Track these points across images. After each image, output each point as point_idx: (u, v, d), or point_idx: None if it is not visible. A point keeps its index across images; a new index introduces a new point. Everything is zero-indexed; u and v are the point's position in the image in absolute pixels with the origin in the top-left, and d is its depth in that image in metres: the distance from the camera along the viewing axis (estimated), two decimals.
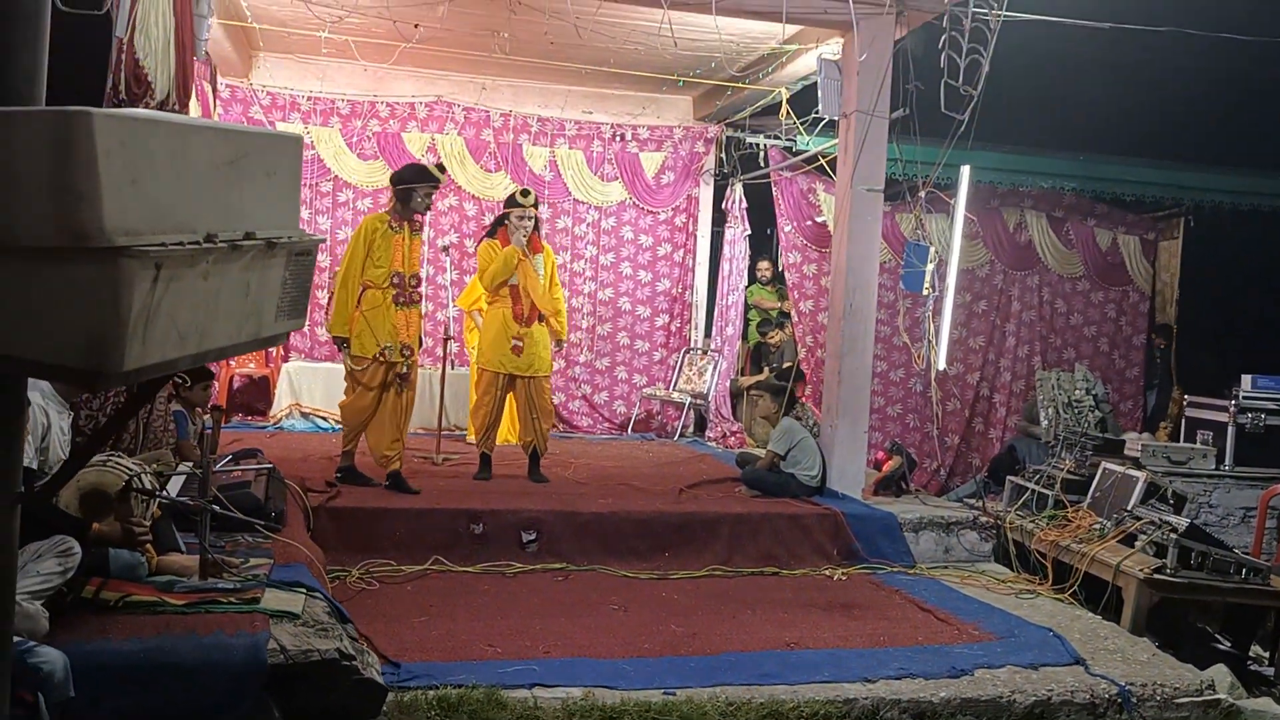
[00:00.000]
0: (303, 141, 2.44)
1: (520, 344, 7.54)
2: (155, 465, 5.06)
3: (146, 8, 6.11)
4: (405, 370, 7.00)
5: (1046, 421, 9.21)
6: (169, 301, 1.98)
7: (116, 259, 1.85)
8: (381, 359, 6.90)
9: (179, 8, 6.34)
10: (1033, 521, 7.29)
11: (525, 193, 7.68)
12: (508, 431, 8.86)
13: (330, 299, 7.04)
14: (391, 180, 7.13)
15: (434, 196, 7.33)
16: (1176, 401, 9.88)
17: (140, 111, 2.07)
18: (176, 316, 2.03)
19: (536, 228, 7.74)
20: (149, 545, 4.34)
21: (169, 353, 2.04)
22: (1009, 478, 8.07)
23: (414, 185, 6.95)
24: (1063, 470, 7.56)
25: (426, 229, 9.80)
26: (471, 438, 8.31)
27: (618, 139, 10.90)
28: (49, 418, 4.48)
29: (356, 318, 6.91)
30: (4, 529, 2.32)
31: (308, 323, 10.24)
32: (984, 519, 7.63)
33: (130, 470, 4.23)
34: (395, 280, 6.93)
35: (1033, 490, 7.59)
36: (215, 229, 2.09)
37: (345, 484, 7.02)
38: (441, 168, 7.27)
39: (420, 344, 7.26)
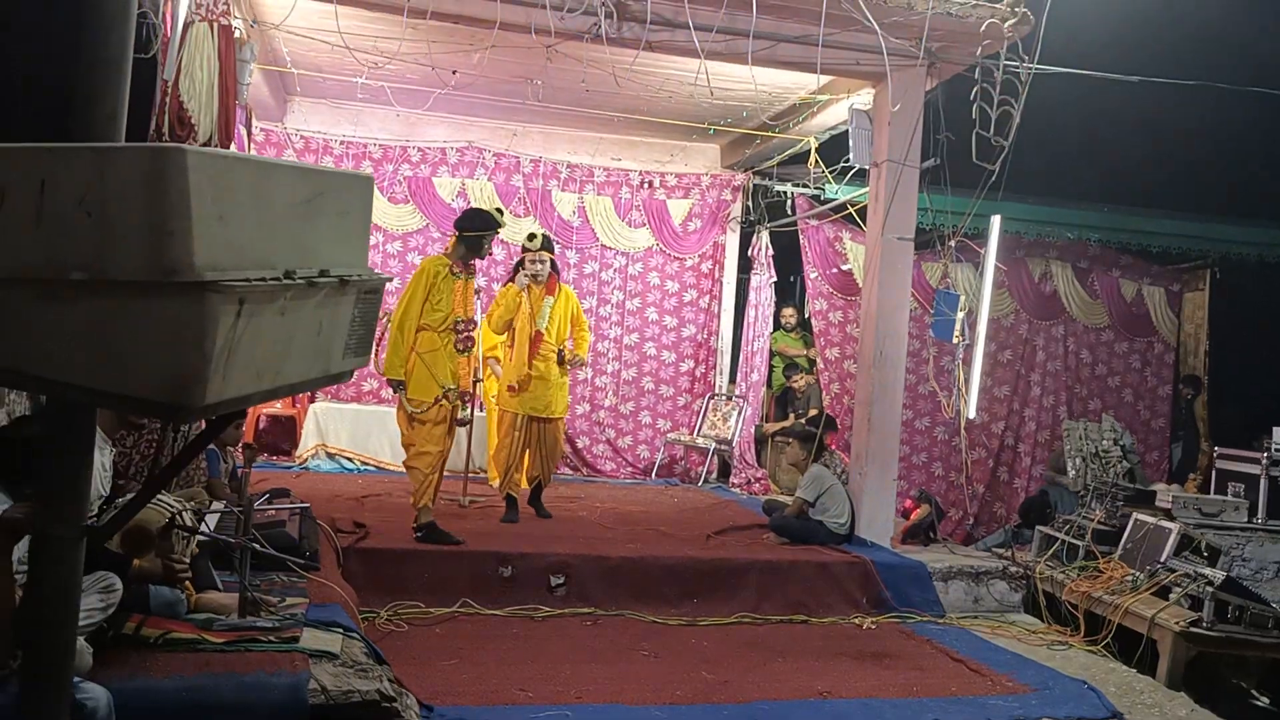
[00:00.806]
0: (373, 182, 2.48)
1: (515, 388, 7.66)
2: (192, 503, 5.08)
3: (192, 52, 6.23)
4: (462, 416, 6.96)
5: (1074, 472, 9.15)
6: (249, 336, 2.01)
7: (204, 294, 1.88)
8: (445, 401, 6.85)
9: (223, 52, 6.46)
10: (1063, 572, 7.23)
11: (531, 236, 7.79)
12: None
13: (379, 341, 7.00)
14: (459, 226, 7.03)
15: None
16: (1206, 454, 9.82)
17: (225, 151, 2.11)
18: (255, 351, 2.05)
19: (554, 270, 7.83)
20: (188, 582, 4.35)
21: (246, 387, 2.07)
22: (1039, 527, 8.01)
23: (484, 233, 6.98)
24: (1093, 521, 7.51)
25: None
26: (494, 481, 8.30)
27: (646, 186, 10.99)
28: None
29: (414, 361, 6.80)
30: (71, 561, 2.34)
31: (368, 363, 10.31)
32: (1014, 569, 7.57)
33: (172, 507, 4.25)
34: (456, 326, 6.88)
35: (1063, 540, 7.54)
36: (293, 266, 2.13)
37: (428, 542, 6.67)
38: (501, 211, 7.32)
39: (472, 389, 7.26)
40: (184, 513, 4.24)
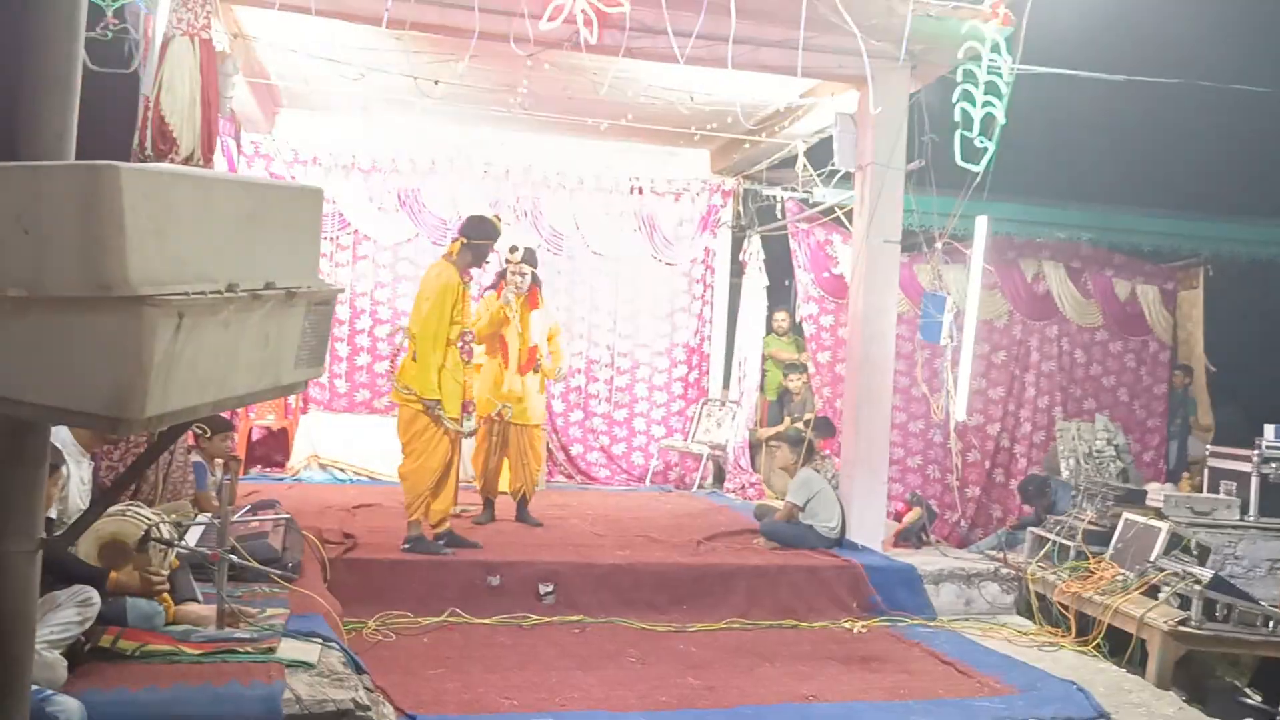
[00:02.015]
0: (323, 194, 2.49)
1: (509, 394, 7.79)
2: (174, 516, 5.09)
3: (173, 67, 6.26)
4: (467, 426, 6.96)
5: (1067, 472, 9.14)
6: (190, 349, 2.02)
7: (140, 307, 1.89)
8: (463, 416, 6.86)
9: (205, 66, 6.47)
10: (1054, 573, 7.22)
11: (513, 249, 7.84)
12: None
13: (395, 359, 6.91)
14: (467, 234, 6.96)
15: None
16: (1205, 427, 9.83)
17: (165, 166, 2.13)
18: (198, 364, 2.06)
19: (536, 282, 7.90)
20: (166, 595, 4.36)
21: (190, 399, 2.07)
22: (1030, 529, 8.00)
23: (489, 241, 7.00)
24: (1084, 521, 7.49)
25: None
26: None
27: (636, 192, 11.00)
28: (69, 467, 4.52)
29: (442, 376, 6.72)
30: (25, 576, 2.35)
31: (327, 374, 10.34)
32: (1006, 571, 7.56)
33: (149, 520, 4.26)
34: (465, 336, 6.87)
35: (1054, 541, 7.53)
36: (236, 279, 2.13)
37: (416, 553, 6.66)
38: (499, 219, 7.33)
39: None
40: (161, 525, 4.26)
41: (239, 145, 9.26)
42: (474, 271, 7.17)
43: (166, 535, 4.26)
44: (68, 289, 1.91)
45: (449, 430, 6.78)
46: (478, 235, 6.96)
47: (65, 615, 3.74)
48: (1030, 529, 8.01)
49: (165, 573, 4.27)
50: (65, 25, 2.23)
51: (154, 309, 1.90)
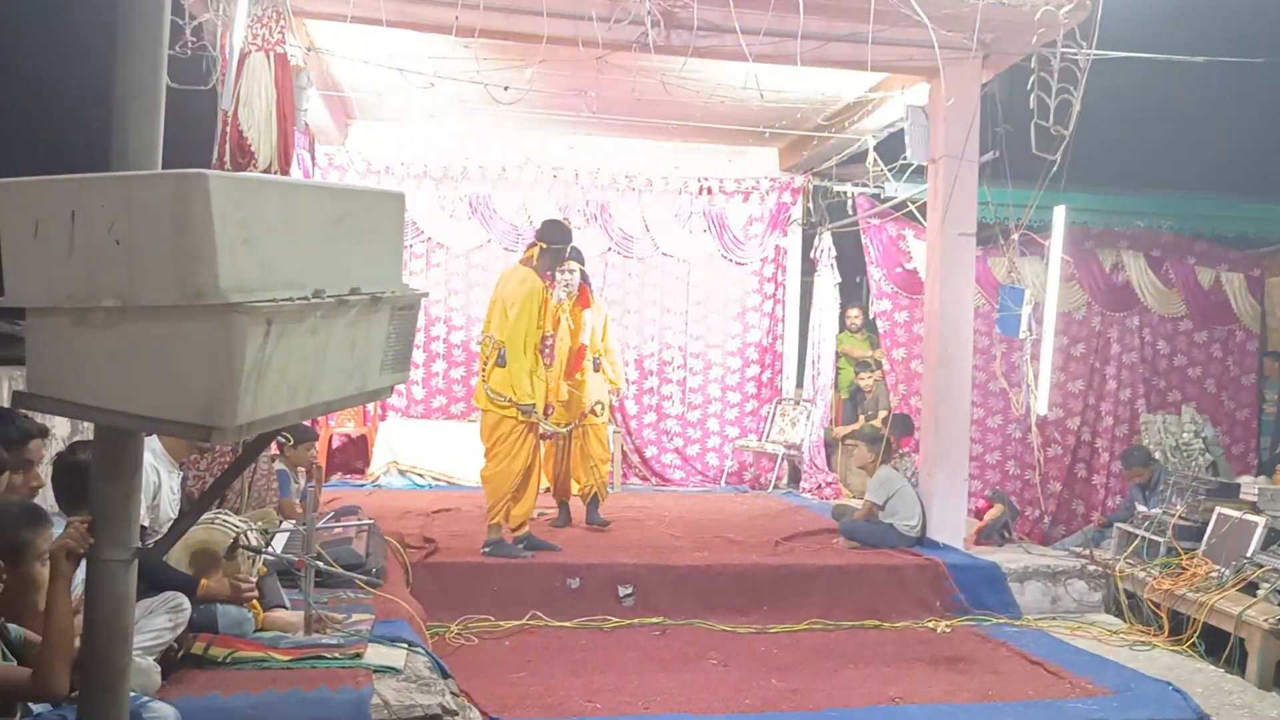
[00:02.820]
0: (404, 199, 2.50)
1: (566, 396, 7.70)
2: (260, 523, 5.17)
3: (250, 81, 6.37)
4: (546, 428, 6.99)
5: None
6: (279, 356, 2.03)
7: (230, 315, 1.90)
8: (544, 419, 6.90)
9: (280, 80, 6.58)
10: (1145, 570, 7.02)
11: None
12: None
13: (487, 366, 6.95)
14: (544, 239, 7.06)
15: None
16: None
17: (250, 174, 2.15)
18: (286, 370, 2.07)
19: (585, 280, 7.83)
20: (255, 602, 4.42)
21: (279, 406, 2.09)
22: (1117, 524, 7.80)
23: (565, 245, 7.10)
24: (1174, 516, 7.28)
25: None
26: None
27: (705, 192, 10.96)
28: (159, 476, 4.61)
29: (533, 382, 6.83)
30: (122, 585, 2.38)
31: (406, 379, 10.45)
32: (1092, 568, 7.38)
33: (237, 528, 4.33)
34: (545, 340, 6.95)
35: (1143, 537, 7.32)
36: (323, 285, 2.15)
37: (496, 557, 6.69)
38: (567, 220, 7.39)
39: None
40: (248, 533, 4.32)
41: (313, 157, 9.39)
42: None
43: (254, 543, 4.32)
44: (160, 298, 1.93)
45: (538, 433, 6.82)
46: (557, 240, 7.08)
47: (158, 622, 3.81)
48: (1117, 524, 7.81)
49: (254, 579, 4.33)
50: (151, 38, 2.27)
51: (243, 316, 1.92)
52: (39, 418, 3.79)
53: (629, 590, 6.61)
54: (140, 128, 2.31)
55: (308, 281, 2.11)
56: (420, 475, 9.89)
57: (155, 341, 1.96)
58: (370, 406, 10.27)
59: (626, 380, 8.32)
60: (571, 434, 7.82)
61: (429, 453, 10.00)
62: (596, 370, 7.89)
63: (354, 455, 10.42)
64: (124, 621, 2.37)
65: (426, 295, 2.51)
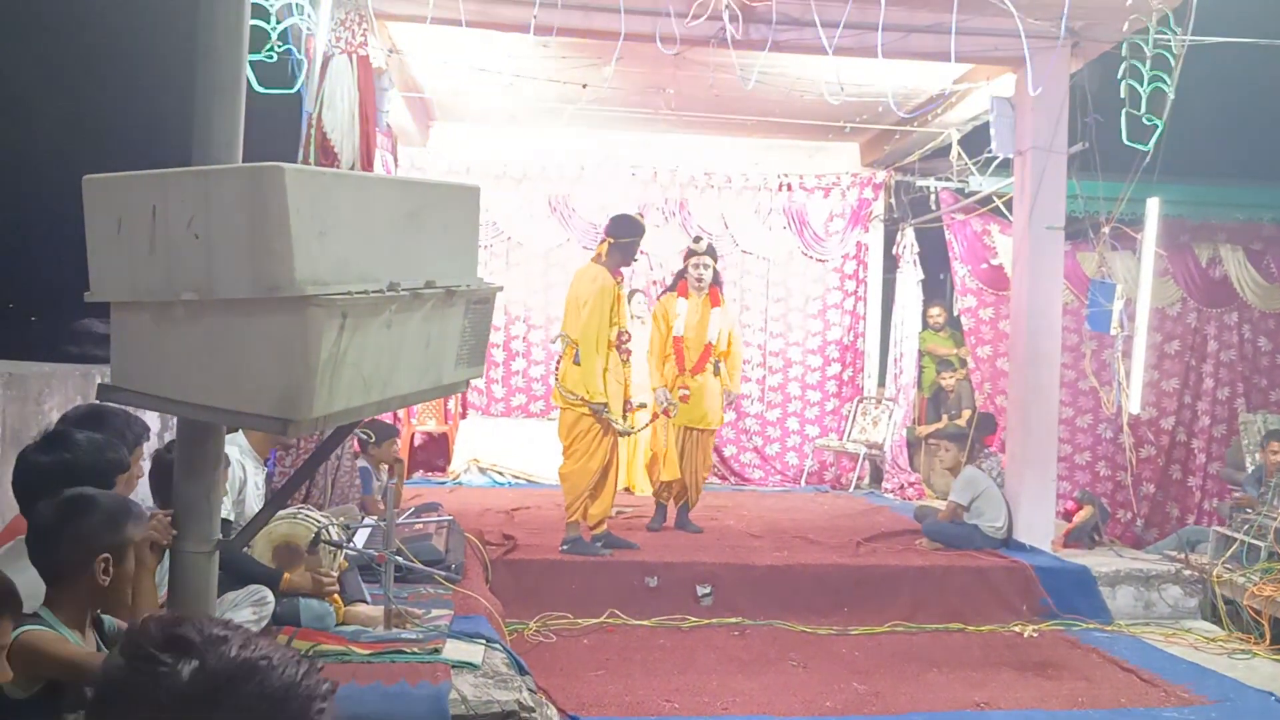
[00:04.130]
0: (479, 192, 2.49)
1: (687, 393, 7.56)
2: (342, 519, 5.23)
3: (334, 84, 6.45)
4: (624, 426, 6.94)
5: (1253, 467, 8.58)
6: (355, 349, 2.03)
7: (306, 307, 1.91)
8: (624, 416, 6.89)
9: (362, 82, 6.67)
10: (1244, 575, 6.76)
11: (696, 239, 7.86)
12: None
13: (559, 364, 6.98)
14: (613, 233, 7.00)
15: None
16: None
17: (326, 169, 2.15)
18: (362, 363, 2.08)
19: (717, 280, 7.75)
20: (336, 596, 4.47)
21: (355, 399, 2.09)
22: (1214, 528, 7.53)
23: (636, 239, 7.02)
24: (1276, 520, 7.00)
25: None
26: (641, 491, 8.42)
27: (785, 188, 10.85)
28: (245, 472, 4.69)
29: (606, 379, 6.79)
30: (204, 576, 2.42)
31: (484, 380, 10.54)
32: (1188, 573, 7.13)
33: (319, 523, 4.38)
34: (620, 337, 6.91)
35: (1242, 541, 7.06)
36: (397, 278, 2.14)
37: (575, 554, 6.72)
38: (641, 215, 7.34)
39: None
40: (330, 527, 4.37)
41: (396, 159, 9.51)
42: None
43: (336, 537, 4.36)
44: (236, 291, 1.94)
45: (614, 431, 6.81)
46: (625, 234, 6.98)
47: (242, 615, 3.87)
48: (1214, 529, 7.54)
49: (335, 574, 4.38)
50: (232, 35, 2.29)
51: (319, 309, 1.92)
52: (138, 415, 3.87)
53: (708, 590, 6.57)
54: (221, 126, 2.33)
55: (382, 275, 2.11)
56: (500, 473, 9.96)
57: (233, 335, 1.98)
58: (451, 405, 10.37)
59: (731, 394, 8.04)
60: (688, 436, 7.67)
61: (509, 451, 10.06)
62: (715, 375, 7.70)
63: (435, 453, 10.53)
64: (206, 612, 2.40)
65: (501, 289, 2.50)
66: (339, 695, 3.62)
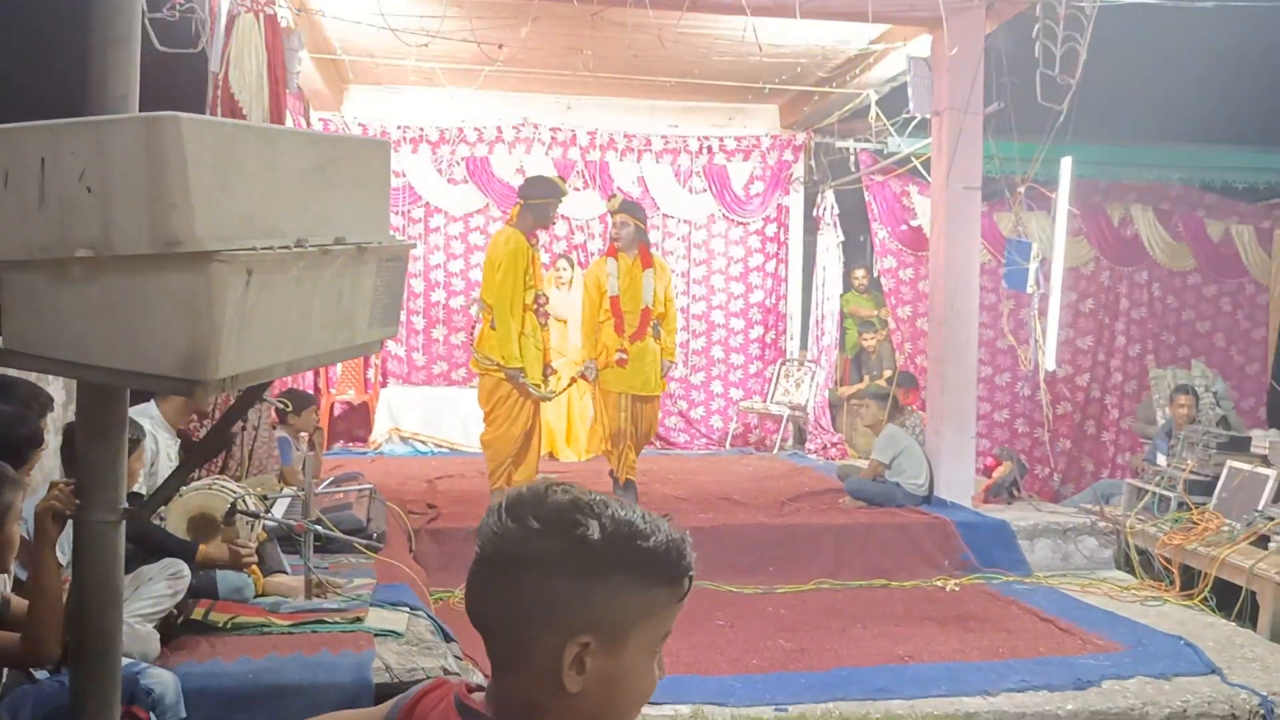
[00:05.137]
0: (390, 147, 2.41)
1: (624, 357, 7.21)
2: (260, 490, 5.12)
3: (240, 44, 6.25)
4: (546, 391, 6.84)
5: (1163, 421, 8.83)
6: (262, 307, 1.95)
7: (208, 263, 1.82)
8: (545, 380, 6.78)
9: (270, 43, 6.47)
10: (1155, 525, 6.96)
11: (611, 198, 7.82)
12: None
13: (473, 330, 6.84)
14: (525, 195, 6.88)
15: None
16: None
17: (227, 119, 2.06)
18: (271, 322, 2.00)
19: (644, 240, 7.45)
20: (255, 567, 4.38)
21: (265, 359, 2.01)
22: (1127, 481, 7.73)
23: (549, 200, 6.85)
24: (1185, 471, 7.21)
25: None
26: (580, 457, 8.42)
27: (705, 151, 10.82)
28: (158, 444, 4.56)
29: (521, 343, 6.66)
30: (110, 546, 2.32)
31: (404, 348, 10.40)
32: (1103, 524, 7.32)
33: (235, 493, 4.28)
34: (537, 300, 6.80)
35: (1153, 493, 7.26)
36: (305, 234, 2.06)
37: None
38: (562, 180, 7.21)
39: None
40: (246, 498, 4.27)
41: (308, 122, 9.28)
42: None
43: (253, 508, 4.26)
44: (134, 247, 1.85)
45: (532, 397, 6.73)
46: (538, 195, 6.85)
47: (157, 589, 3.76)
48: (1127, 481, 7.74)
49: (253, 545, 4.28)
50: None
51: (222, 264, 1.84)
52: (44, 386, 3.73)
53: None
54: (116, 77, 2.22)
55: (289, 230, 2.03)
56: (423, 442, 9.84)
57: (133, 294, 1.88)
58: (371, 374, 10.21)
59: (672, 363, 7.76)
60: (634, 405, 7.35)
61: (431, 420, 9.95)
62: (656, 340, 7.39)
63: (356, 423, 10.36)
64: (114, 583, 2.31)
65: (414, 245, 2.42)
66: (260, 668, 3.53)
